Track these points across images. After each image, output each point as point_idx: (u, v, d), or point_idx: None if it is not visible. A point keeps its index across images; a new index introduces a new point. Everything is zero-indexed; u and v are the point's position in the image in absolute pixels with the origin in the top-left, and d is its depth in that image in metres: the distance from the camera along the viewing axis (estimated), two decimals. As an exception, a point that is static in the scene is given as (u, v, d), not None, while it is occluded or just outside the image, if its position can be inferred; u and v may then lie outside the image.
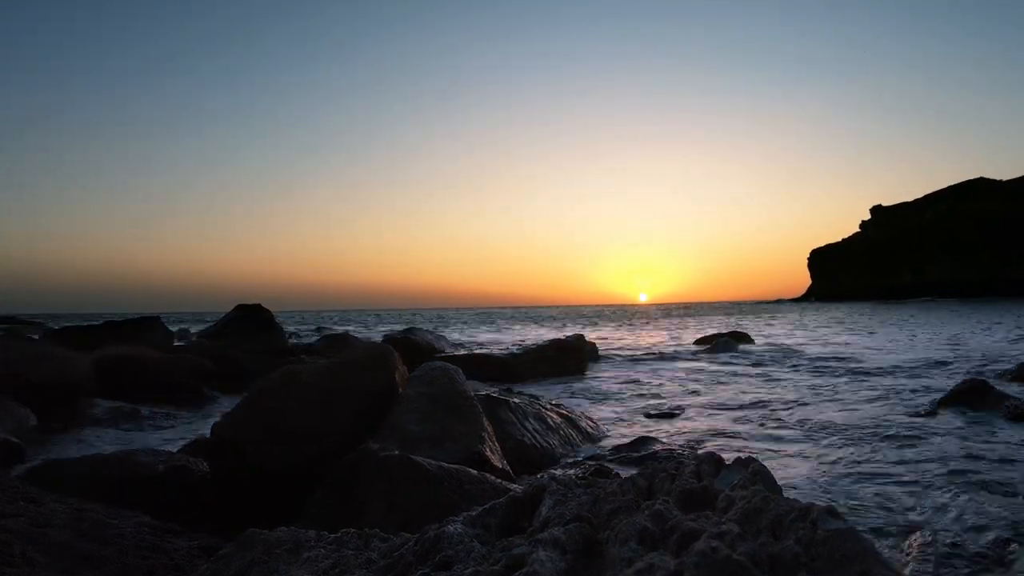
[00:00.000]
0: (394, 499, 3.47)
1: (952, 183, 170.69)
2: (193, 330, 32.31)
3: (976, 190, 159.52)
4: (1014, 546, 3.68)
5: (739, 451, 6.43)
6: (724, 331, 24.39)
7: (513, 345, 20.85)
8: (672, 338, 27.11)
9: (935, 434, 6.80)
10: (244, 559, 2.27)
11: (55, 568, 2.75)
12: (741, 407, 9.11)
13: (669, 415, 8.75)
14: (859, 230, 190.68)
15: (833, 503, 4.39)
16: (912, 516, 4.30)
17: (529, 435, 6.43)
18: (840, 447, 6.44)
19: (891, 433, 6.94)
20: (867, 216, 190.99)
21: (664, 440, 7.01)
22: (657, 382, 12.54)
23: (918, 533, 3.91)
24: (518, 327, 46.27)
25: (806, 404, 9.18)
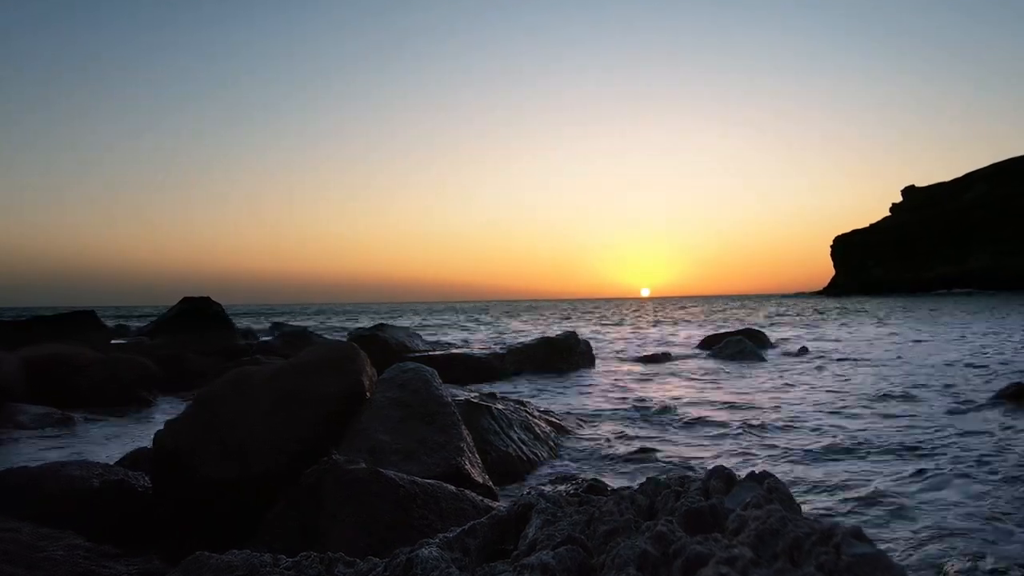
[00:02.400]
0: (361, 518, 3.46)
1: (994, 161, 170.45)
2: (133, 326, 32.14)
3: (1021, 169, 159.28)
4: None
5: (752, 465, 6.45)
6: (735, 329, 24.47)
7: (497, 344, 20.88)
8: (677, 337, 27.18)
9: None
10: (190, 587, 2.26)
11: (-27, 597, 2.72)
12: (756, 416, 9.14)
13: (673, 424, 8.76)
14: (889, 214, 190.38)
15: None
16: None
17: (514, 446, 6.43)
18: (877, 471, 6.45)
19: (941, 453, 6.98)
20: (898, 198, 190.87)
21: (667, 452, 7.03)
22: (659, 386, 12.57)
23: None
24: (504, 323, 46.27)
25: (826, 411, 9.23)
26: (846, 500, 5.23)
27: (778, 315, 49.98)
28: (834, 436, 7.59)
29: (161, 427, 5.12)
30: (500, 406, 7.06)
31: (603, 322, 45.31)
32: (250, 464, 4.72)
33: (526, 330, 34.98)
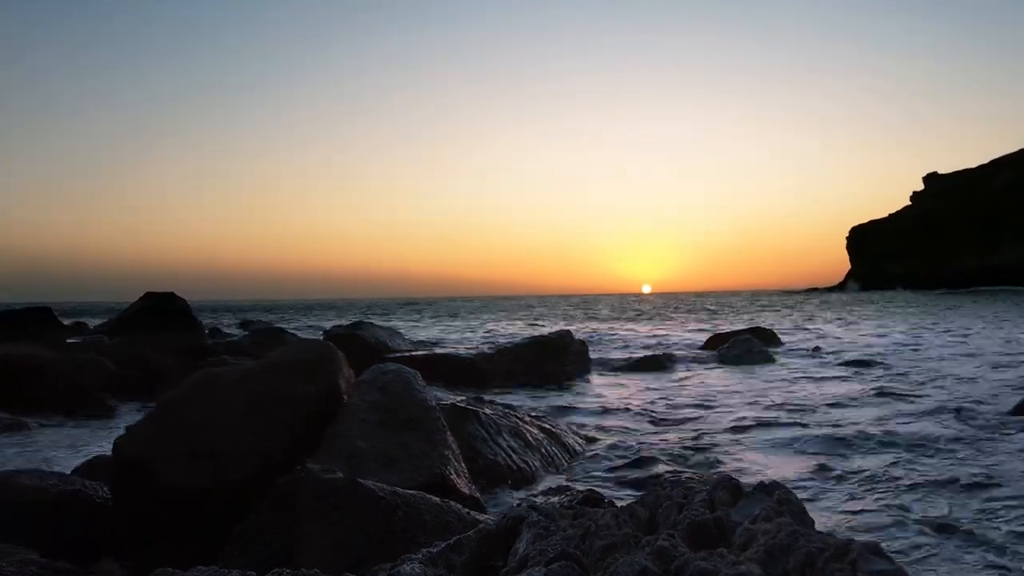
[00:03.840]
0: (337, 532, 3.45)
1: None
2: (92, 323, 32.03)
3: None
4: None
5: (761, 475, 6.46)
6: (742, 327, 24.51)
7: (485, 343, 20.89)
8: (680, 335, 27.24)
9: None
10: (151, 607, 2.25)
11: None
12: (766, 421, 9.16)
13: (675, 430, 8.78)
14: (910, 203, 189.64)
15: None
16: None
17: (503, 454, 6.44)
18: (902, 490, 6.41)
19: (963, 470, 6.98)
20: (919, 186, 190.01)
21: (669, 461, 7.04)
22: (660, 389, 12.59)
23: None
24: (493, 320, 46.34)
25: (843, 416, 9.25)
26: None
27: (788, 312, 50.15)
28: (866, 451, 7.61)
29: (122, 433, 5.10)
30: (488, 411, 7.06)
31: (601, 319, 45.38)
32: (217, 473, 4.70)
33: (518, 328, 35.02)
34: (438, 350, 17.87)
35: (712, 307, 67.86)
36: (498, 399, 9.10)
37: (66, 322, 26.87)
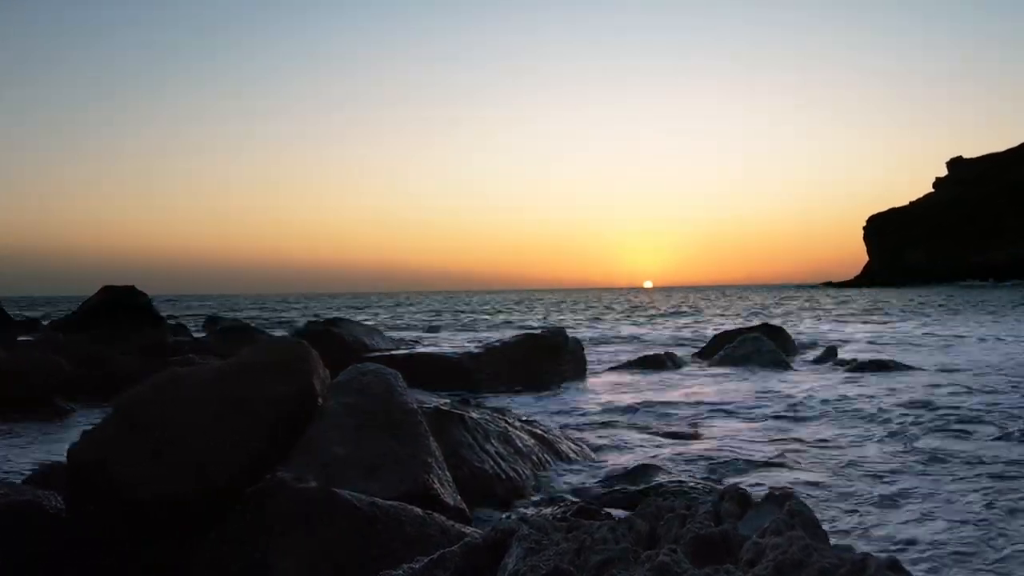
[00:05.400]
0: (311, 547, 3.45)
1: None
2: (44, 319, 31.93)
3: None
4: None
5: (771, 485, 6.46)
6: (751, 324, 24.55)
7: (472, 342, 20.86)
8: (683, 332, 27.30)
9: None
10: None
11: None
12: (776, 427, 9.18)
13: (678, 437, 8.79)
14: (932, 190, 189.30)
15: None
16: None
17: (491, 461, 6.43)
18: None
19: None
20: (943, 171, 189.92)
21: (671, 469, 7.04)
22: (661, 391, 12.61)
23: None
24: (482, 317, 46.35)
25: (859, 420, 9.28)
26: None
27: (800, 308, 50.26)
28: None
29: (77, 438, 5.08)
30: (475, 414, 7.06)
31: (598, 316, 45.43)
32: (181, 483, 4.69)
33: (511, 324, 35.04)
34: (421, 348, 17.85)
35: (718, 302, 68.01)
36: (486, 402, 9.13)
37: (17, 318, 26.79)
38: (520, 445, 6.99)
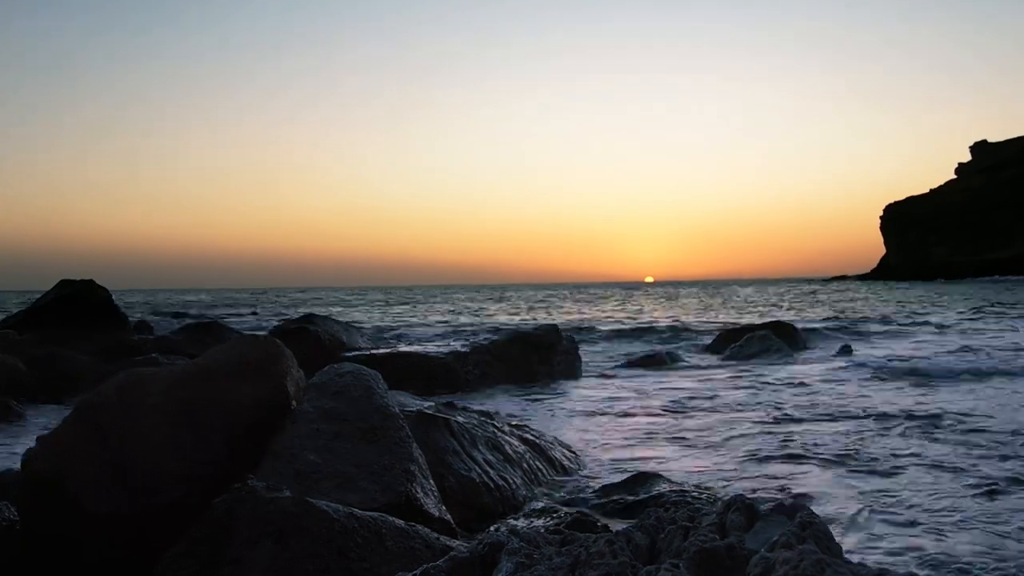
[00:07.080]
0: (284, 562, 3.44)
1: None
2: (-4, 316, 31.85)
3: None
4: None
5: (781, 496, 6.46)
6: (759, 321, 24.59)
7: (459, 340, 20.87)
8: (686, 330, 27.32)
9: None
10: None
11: None
12: (783, 430, 9.19)
13: (679, 441, 8.80)
14: (955, 177, 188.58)
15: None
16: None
17: (479, 469, 6.43)
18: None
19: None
20: (965, 157, 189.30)
21: (673, 478, 7.04)
22: (662, 392, 12.62)
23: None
24: (473, 312, 46.35)
25: (875, 419, 9.29)
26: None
27: (812, 304, 50.34)
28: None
29: (32, 444, 5.06)
30: (461, 419, 7.05)
31: (596, 312, 45.47)
32: (144, 494, 4.67)
33: (502, 321, 35.03)
34: (403, 347, 17.84)
35: (724, 298, 68.13)
36: (473, 405, 9.11)
37: (-34, 315, 26.72)
38: (510, 451, 6.99)
